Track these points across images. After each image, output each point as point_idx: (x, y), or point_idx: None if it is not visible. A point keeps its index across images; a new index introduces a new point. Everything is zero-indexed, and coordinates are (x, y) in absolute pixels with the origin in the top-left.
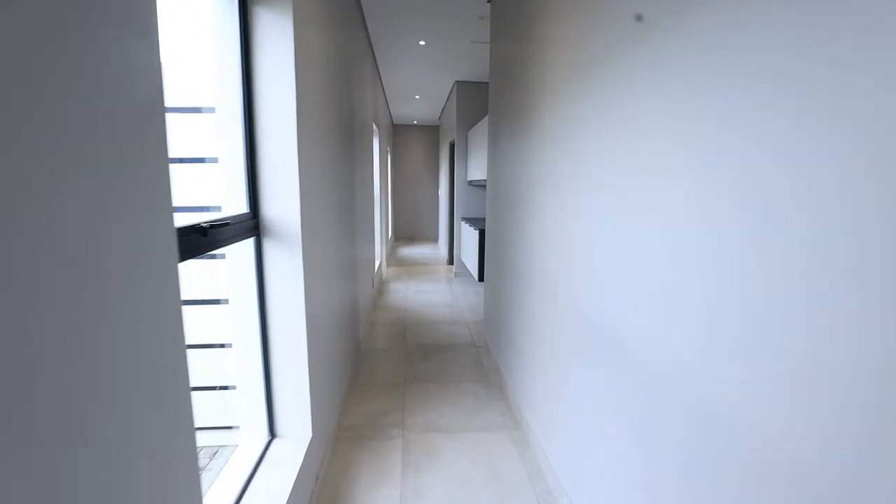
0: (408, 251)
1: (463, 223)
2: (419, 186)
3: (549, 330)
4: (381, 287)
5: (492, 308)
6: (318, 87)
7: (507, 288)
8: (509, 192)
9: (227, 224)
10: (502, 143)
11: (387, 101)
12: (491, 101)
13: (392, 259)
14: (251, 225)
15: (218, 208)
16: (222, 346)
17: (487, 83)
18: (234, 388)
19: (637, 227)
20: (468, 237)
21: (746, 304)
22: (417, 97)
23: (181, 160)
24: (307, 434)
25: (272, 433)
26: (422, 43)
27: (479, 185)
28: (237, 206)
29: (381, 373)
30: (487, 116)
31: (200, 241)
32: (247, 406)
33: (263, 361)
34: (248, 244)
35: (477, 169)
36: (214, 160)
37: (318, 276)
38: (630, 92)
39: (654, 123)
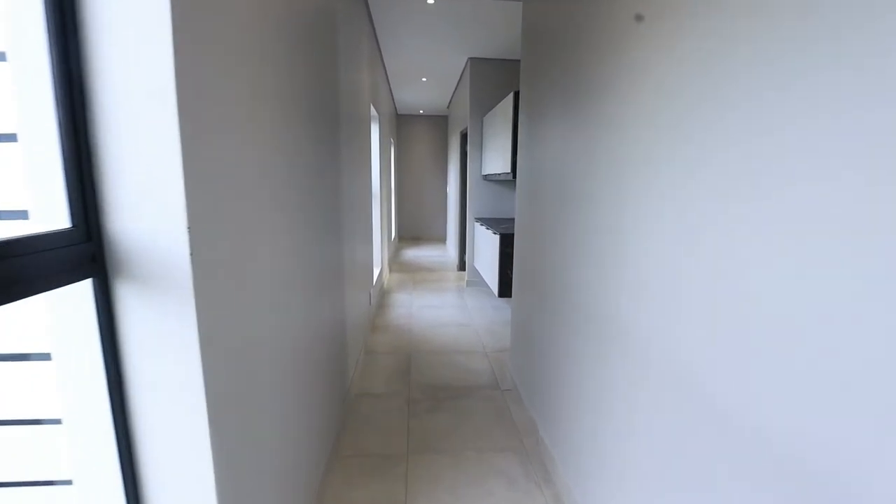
0: (413, 254)
1: (477, 224)
2: (426, 182)
3: (632, 402)
4: (381, 300)
5: (523, 338)
6: (254, 44)
7: (550, 316)
8: (557, 191)
9: None
10: (544, 126)
11: (390, 87)
12: (525, 72)
13: (395, 263)
14: (78, 255)
15: (24, 214)
16: (38, 422)
17: (506, 60)
18: (68, 482)
19: None
20: (485, 242)
21: None
22: (424, 79)
23: None
24: None
25: None
26: (430, 1)
27: (497, 181)
28: (55, 216)
29: (376, 435)
30: (512, 94)
31: None
32: None
33: (122, 468)
34: (79, 292)
35: (495, 161)
36: (12, 138)
37: (251, 318)
38: None
39: None
